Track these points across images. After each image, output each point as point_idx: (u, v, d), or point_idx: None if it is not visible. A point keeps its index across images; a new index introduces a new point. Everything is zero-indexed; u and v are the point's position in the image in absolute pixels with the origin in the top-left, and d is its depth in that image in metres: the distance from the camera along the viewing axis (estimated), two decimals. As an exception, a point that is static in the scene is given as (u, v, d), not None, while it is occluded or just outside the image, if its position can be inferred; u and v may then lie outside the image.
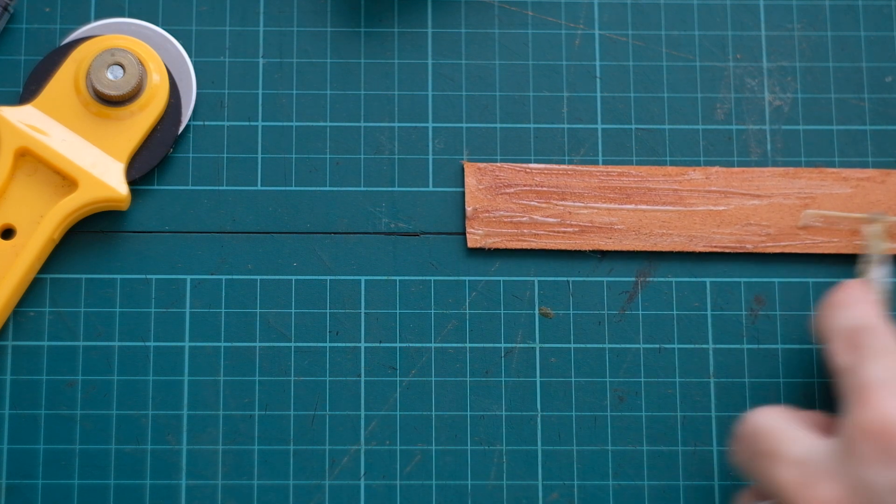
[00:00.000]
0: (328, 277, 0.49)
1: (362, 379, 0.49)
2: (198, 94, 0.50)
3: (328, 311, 0.49)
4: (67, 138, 0.48)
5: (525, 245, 0.49)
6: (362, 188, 0.50)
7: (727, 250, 0.49)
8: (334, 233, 0.50)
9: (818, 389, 0.49)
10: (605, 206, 0.50)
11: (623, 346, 0.49)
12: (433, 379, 0.49)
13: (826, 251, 0.49)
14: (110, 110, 0.49)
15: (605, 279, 0.50)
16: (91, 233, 0.49)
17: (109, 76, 0.48)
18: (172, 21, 0.51)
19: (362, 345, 0.49)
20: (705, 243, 0.49)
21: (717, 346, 0.49)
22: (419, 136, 0.51)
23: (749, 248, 0.49)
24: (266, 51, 0.51)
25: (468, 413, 0.49)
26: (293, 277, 0.49)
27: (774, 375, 0.49)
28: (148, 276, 0.49)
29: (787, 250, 0.49)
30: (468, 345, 0.49)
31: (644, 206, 0.50)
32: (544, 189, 0.50)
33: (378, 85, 0.51)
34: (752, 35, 0.52)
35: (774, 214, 0.50)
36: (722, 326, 0.49)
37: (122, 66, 0.48)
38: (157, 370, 0.48)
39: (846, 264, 0.50)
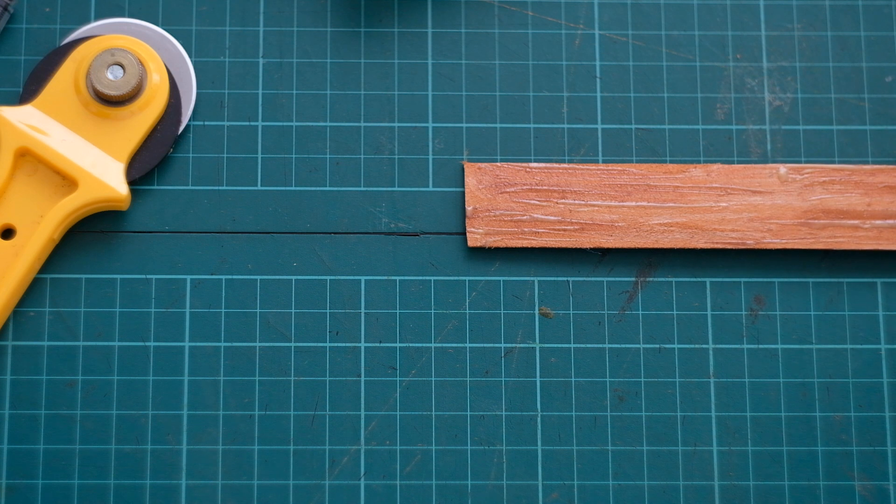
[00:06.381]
0: (328, 277, 0.49)
1: (362, 379, 0.49)
2: (198, 94, 0.50)
3: (328, 311, 0.49)
4: (67, 138, 0.48)
5: (526, 243, 0.49)
6: (362, 188, 0.50)
7: (728, 247, 0.49)
8: (334, 233, 0.50)
9: (818, 389, 0.49)
10: (605, 203, 0.50)
11: (623, 346, 0.49)
12: (433, 379, 0.49)
13: (828, 247, 0.49)
14: (110, 110, 0.49)
15: (605, 279, 0.50)
16: (91, 233, 0.49)
17: (109, 76, 0.48)
18: (172, 21, 0.51)
19: (362, 345, 0.49)
20: (707, 240, 0.49)
21: (717, 346, 0.49)
22: (419, 136, 0.51)
23: (751, 244, 0.49)
24: (266, 51, 0.51)
25: (468, 413, 0.48)
26: (293, 277, 0.49)
27: (774, 375, 0.49)
28: (148, 276, 0.49)
29: (788, 246, 0.49)
30: (468, 345, 0.49)
31: (645, 204, 0.50)
32: (544, 188, 0.50)
33: (378, 85, 0.51)
34: (752, 35, 0.52)
35: (776, 211, 0.50)
36: (722, 326, 0.49)
37: (122, 66, 0.48)
38: (157, 370, 0.48)
39: (847, 263, 0.50)
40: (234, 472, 0.48)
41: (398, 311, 0.49)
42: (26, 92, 0.49)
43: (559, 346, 0.49)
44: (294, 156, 0.50)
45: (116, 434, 0.48)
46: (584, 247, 0.49)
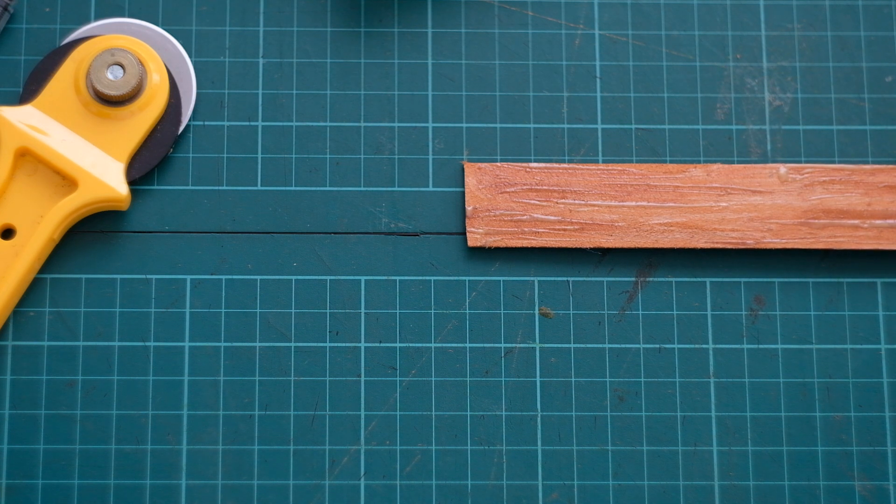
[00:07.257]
0: (328, 277, 0.49)
1: (362, 379, 0.49)
2: (198, 94, 0.50)
3: (328, 311, 0.49)
4: (67, 138, 0.48)
5: (526, 243, 0.49)
6: (362, 188, 0.50)
7: (728, 246, 0.49)
8: (334, 233, 0.50)
9: (818, 389, 0.49)
10: (605, 203, 0.50)
11: (623, 346, 0.49)
12: (433, 379, 0.49)
13: (828, 247, 0.49)
14: (110, 110, 0.49)
15: (605, 279, 0.50)
16: (91, 233, 0.49)
17: (109, 76, 0.48)
18: (172, 21, 0.51)
19: (362, 345, 0.49)
20: (707, 240, 0.49)
21: (717, 346, 0.49)
22: (419, 136, 0.51)
23: (751, 244, 0.49)
24: (266, 51, 0.51)
25: (468, 413, 0.48)
26: (293, 277, 0.49)
27: (774, 375, 0.49)
28: (148, 276, 0.49)
29: (788, 246, 0.49)
30: (468, 345, 0.49)
31: (645, 203, 0.50)
32: (545, 188, 0.50)
33: (378, 85, 0.51)
34: (752, 35, 0.52)
35: (776, 211, 0.50)
36: (722, 326, 0.49)
37: (122, 66, 0.48)
38: (157, 370, 0.48)
39: (847, 263, 0.50)
40: (234, 472, 0.48)
41: (398, 311, 0.49)
42: (26, 92, 0.49)
43: (559, 346, 0.49)
44: (294, 156, 0.50)
45: (116, 434, 0.48)
46: (584, 247, 0.49)
